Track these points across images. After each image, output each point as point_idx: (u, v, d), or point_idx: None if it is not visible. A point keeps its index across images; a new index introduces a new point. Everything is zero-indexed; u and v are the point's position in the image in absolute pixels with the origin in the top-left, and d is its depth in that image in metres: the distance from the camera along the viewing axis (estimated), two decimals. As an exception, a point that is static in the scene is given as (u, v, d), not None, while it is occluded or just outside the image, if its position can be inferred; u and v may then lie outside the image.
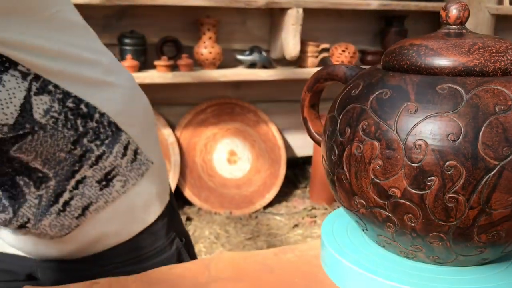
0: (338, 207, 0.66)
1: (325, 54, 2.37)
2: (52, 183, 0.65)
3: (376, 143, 0.42)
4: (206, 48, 2.13)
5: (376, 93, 0.44)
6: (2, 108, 0.57)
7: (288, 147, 2.57)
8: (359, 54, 2.44)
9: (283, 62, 2.38)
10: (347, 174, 0.45)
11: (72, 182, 0.67)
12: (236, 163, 2.41)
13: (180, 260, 0.77)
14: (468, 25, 0.50)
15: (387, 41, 2.52)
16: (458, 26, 0.45)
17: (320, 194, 2.45)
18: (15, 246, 0.70)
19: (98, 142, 0.67)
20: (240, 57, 2.23)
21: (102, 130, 0.67)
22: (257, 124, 2.47)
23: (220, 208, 2.32)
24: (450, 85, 0.41)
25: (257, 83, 2.38)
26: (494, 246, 0.43)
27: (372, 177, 0.42)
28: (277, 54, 2.35)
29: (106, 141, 0.67)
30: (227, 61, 2.25)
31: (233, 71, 2.21)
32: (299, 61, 2.36)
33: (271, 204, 2.41)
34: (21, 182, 0.64)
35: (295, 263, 0.55)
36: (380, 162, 0.42)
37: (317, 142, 0.58)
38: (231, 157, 2.41)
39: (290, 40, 2.21)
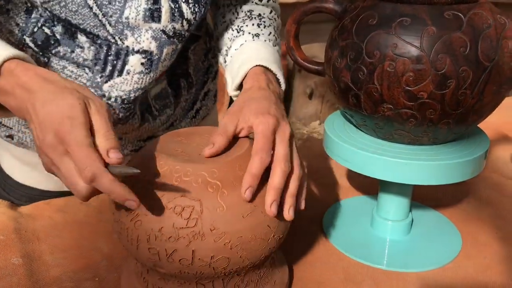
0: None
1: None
2: (193, 90, 0.82)
3: (407, 60, 0.56)
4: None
5: (397, 21, 0.57)
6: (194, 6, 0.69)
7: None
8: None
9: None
10: (378, 87, 0.58)
11: (202, 93, 0.85)
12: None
13: None
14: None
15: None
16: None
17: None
18: None
19: (215, 60, 0.87)
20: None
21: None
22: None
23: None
24: (454, 12, 0.56)
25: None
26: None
27: (404, 86, 0.56)
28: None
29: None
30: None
31: None
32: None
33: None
34: (182, 84, 0.80)
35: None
36: (411, 74, 0.56)
37: (305, 68, 0.70)
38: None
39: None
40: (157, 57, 0.69)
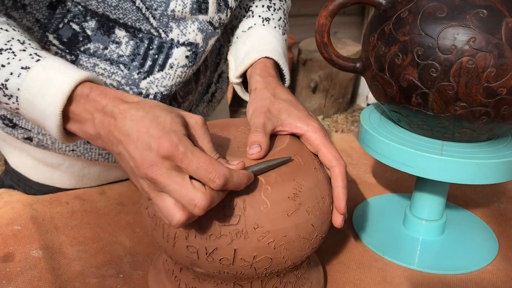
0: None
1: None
2: (207, 73, 0.78)
3: (488, 55, 0.52)
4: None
5: (472, 13, 0.53)
6: None
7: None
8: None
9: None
10: (454, 85, 0.54)
11: (216, 75, 0.81)
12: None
13: None
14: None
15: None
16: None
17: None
18: None
19: (223, 39, 0.80)
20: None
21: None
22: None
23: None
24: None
25: None
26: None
27: (484, 83, 0.53)
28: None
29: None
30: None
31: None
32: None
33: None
34: (201, 67, 0.75)
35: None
36: (493, 69, 0.52)
37: (340, 66, 0.65)
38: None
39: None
40: (202, 49, 0.66)
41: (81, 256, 0.62)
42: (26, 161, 0.73)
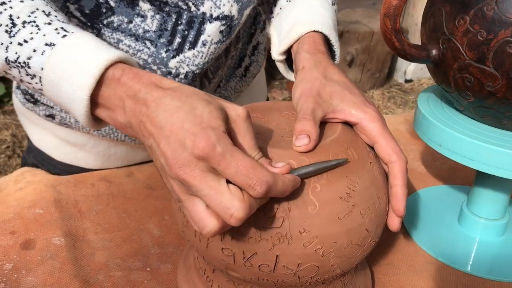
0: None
1: None
2: (239, 45, 0.71)
3: None
4: None
5: None
6: None
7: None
8: None
9: None
10: None
11: (250, 47, 0.74)
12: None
13: None
14: None
15: None
16: None
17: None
18: None
19: (262, 8, 0.72)
20: None
21: None
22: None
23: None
24: None
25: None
26: None
27: None
28: None
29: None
30: None
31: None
32: None
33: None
34: (232, 40, 0.67)
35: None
36: None
37: (412, 56, 0.53)
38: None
39: None
40: (237, 21, 0.59)
41: (106, 245, 0.58)
42: (49, 140, 0.69)
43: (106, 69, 0.40)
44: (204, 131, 0.34)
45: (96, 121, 0.43)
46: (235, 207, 0.34)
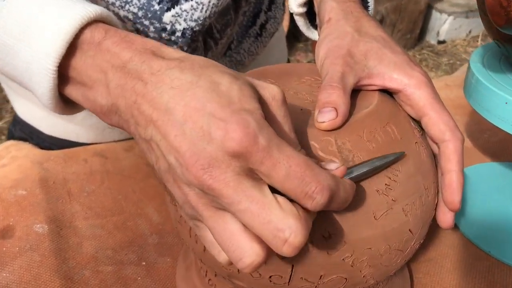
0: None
1: None
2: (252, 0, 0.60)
3: None
4: None
5: None
6: None
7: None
8: None
9: None
10: None
11: (266, 1, 0.62)
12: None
13: None
14: None
15: None
16: None
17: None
18: None
19: None
20: None
21: None
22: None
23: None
24: None
25: None
26: None
27: None
28: None
29: None
30: None
31: None
32: None
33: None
34: None
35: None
36: None
37: None
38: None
39: None
40: None
41: (96, 233, 0.49)
42: (35, 112, 0.60)
43: (82, 29, 0.29)
44: (238, 115, 0.24)
45: (66, 104, 0.33)
46: (290, 229, 0.24)
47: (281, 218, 0.24)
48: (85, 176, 0.57)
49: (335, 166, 0.28)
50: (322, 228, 0.30)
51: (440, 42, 2.85)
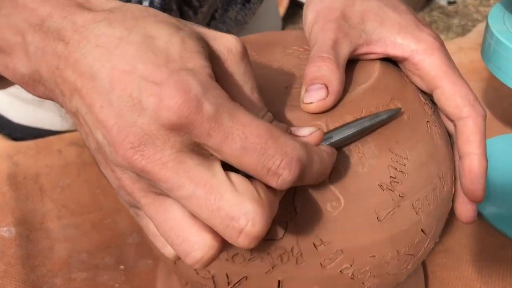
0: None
1: None
2: None
3: None
4: None
5: None
6: None
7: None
8: None
9: None
10: None
11: None
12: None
13: None
14: None
15: None
16: None
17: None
18: None
19: None
20: None
21: None
22: None
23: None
24: None
25: None
26: None
27: None
28: None
29: None
30: None
31: None
32: None
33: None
34: None
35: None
36: None
37: None
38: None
39: None
40: None
41: (70, 234, 0.44)
42: (2, 98, 0.54)
43: None
44: (177, 76, 0.19)
45: None
46: (246, 216, 0.19)
47: (234, 203, 0.19)
48: (60, 168, 0.51)
49: (308, 131, 0.22)
50: (313, 234, 0.25)
51: (450, 3, 2.74)
